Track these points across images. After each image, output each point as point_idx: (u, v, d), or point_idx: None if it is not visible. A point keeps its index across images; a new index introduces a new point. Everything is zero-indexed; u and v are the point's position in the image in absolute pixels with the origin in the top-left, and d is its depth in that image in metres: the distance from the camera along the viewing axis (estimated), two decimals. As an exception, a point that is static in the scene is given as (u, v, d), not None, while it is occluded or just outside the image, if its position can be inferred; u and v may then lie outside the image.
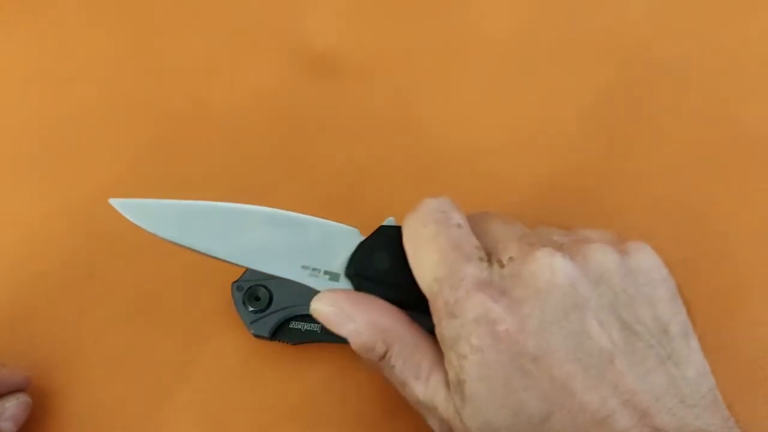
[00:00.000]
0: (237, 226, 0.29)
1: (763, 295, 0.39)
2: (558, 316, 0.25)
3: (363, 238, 0.30)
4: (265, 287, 0.36)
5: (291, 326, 0.36)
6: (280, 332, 0.36)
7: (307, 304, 0.36)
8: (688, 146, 0.43)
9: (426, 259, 0.27)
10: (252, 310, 0.36)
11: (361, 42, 0.46)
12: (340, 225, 0.30)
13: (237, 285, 0.36)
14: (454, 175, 0.42)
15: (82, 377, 0.36)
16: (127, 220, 0.29)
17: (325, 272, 0.30)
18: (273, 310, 0.36)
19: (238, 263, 0.29)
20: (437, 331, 0.27)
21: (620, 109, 0.44)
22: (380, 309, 0.28)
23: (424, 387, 0.27)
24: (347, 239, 0.30)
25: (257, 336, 0.36)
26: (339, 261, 0.30)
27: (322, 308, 0.29)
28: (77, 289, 0.38)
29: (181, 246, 0.29)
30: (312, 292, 0.30)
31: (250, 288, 0.36)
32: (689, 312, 0.28)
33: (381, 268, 0.29)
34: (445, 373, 0.27)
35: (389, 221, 0.31)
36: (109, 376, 0.36)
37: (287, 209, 0.40)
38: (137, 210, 0.29)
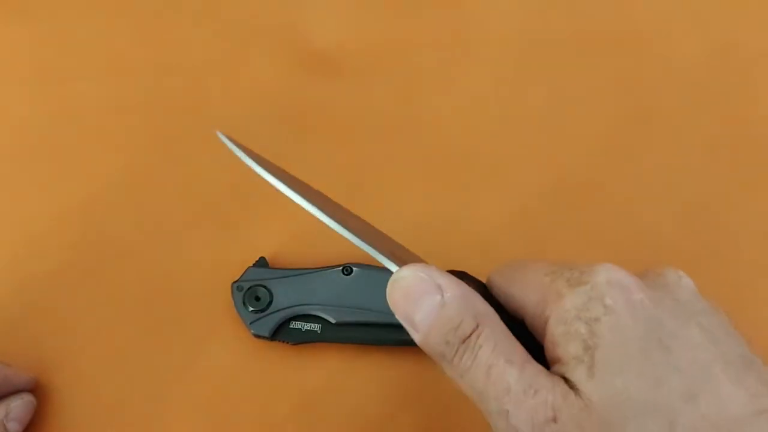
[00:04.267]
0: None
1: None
2: (691, 311, 0.24)
3: None
4: (265, 287, 0.36)
5: (291, 326, 0.36)
6: (280, 332, 0.36)
7: (308, 304, 0.36)
8: (694, 145, 0.43)
9: (529, 271, 0.26)
10: (252, 310, 0.36)
11: (362, 39, 0.46)
12: None
13: (237, 285, 0.36)
14: (456, 174, 0.42)
15: (83, 377, 0.36)
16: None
17: None
18: (273, 310, 0.36)
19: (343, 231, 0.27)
20: (555, 315, 0.24)
21: (626, 107, 0.44)
22: (476, 293, 0.25)
23: (519, 372, 0.23)
24: None
25: (257, 336, 0.36)
26: None
27: (409, 274, 0.25)
28: (77, 289, 0.38)
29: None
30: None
31: (250, 288, 0.36)
32: None
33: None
34: (542, 368, 0.24)
35: None
36: (109, 376, 0.36)
37: (287, 207, 0.40)
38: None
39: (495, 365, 0.24)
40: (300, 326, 0.36)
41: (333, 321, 0.36)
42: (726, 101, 0.44)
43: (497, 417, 0.24)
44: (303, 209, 0.28)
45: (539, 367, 0.24)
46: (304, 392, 0.36)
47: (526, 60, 0.45)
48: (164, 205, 0.40)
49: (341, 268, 0.37)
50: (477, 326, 0.24)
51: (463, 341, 0.24)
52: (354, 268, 0.37)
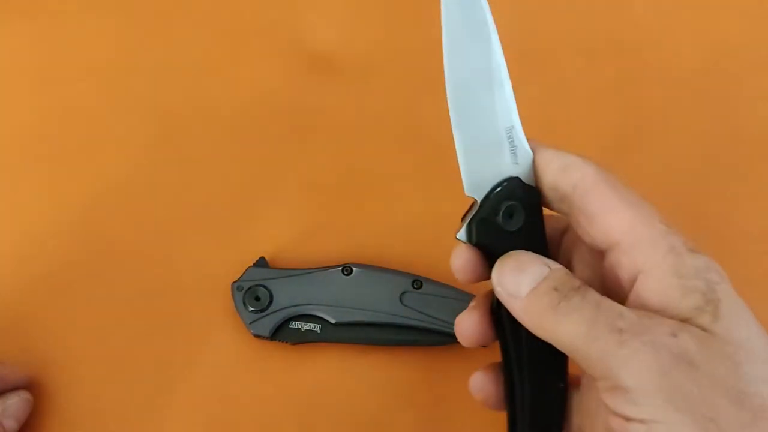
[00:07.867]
0: None
1: (765, 293, 0.39)
2: None
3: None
4: (265, 287, 0.36)
5: (291, 326, 0.36)
6: (280, 332, 0.36)
7: (308, 304, 0.36)
8: (688, 144, 0.43)
9: (638, 207, 0.28)
10: (252, 310, 0.36)
11: (361, 40, 0.46)
12: None
13: (237, 285, 0.36)
14: (455, 175, 0.42)
15: (83, 376, 0.36)
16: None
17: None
18: (273, 310, 0.36)
19: None
20: (668, 266, 0.25)
21: (623, 112, 0.44)
22: None
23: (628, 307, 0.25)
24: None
25: (257, 336, 0.36)
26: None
27: (519, 252, 0.27)
28: (77, 289, 0.38)
29: None
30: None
31: (250, 288, 0.36)
32: None
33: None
34: None
35: None
36: (109, 375, 0.36)
37: (287, 207, 0.40)
38: None
39: (604, 301, 0.25)
40: (300, 326, 0.36)
41: (333, 321, 0.36)
42: (723, 106, 0.44)
43: (604, 344, 0.23)
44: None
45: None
46: (304, 392, 0.36)
47: (524, 63, 0.45)
48: (164, 205, 0.40)
49: (341, 268, 0.37)
50: (582, 284, 0.26)
51: (572, 289, 0.25)
52: (354, 268, 0.37)
